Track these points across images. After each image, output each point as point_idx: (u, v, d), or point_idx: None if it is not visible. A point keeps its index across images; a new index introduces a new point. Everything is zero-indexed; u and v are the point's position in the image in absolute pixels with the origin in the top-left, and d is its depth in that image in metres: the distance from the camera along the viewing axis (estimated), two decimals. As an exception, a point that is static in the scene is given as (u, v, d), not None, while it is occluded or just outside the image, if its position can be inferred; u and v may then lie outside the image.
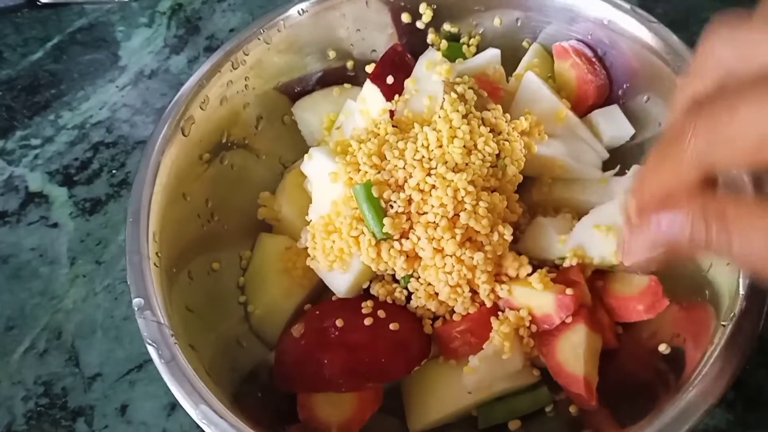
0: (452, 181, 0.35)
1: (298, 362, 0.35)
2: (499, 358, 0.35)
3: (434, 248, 0.35)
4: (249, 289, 0.41)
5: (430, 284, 0.36)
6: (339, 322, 0.35)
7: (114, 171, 0.49)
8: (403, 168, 0.36)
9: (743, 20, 0.23)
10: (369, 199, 0.35)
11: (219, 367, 0.35)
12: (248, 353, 0.39)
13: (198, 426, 0.39)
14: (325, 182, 0.38)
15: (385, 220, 0.35)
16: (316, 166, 0.39)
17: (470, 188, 0.34)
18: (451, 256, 0.35)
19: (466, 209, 0.34)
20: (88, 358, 0.42)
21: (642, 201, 0.25)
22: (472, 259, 0.35)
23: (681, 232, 0.23)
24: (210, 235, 0.41)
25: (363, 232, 0.36)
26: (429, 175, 0.36)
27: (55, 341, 0.43)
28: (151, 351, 0.32)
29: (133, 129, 0.51)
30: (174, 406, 0.40)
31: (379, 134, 0.39)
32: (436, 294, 0.36)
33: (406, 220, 0.36)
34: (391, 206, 0.36)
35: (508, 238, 0.35)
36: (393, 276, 0.38)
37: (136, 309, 0.33)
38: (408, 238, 0.36)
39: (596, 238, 0.36)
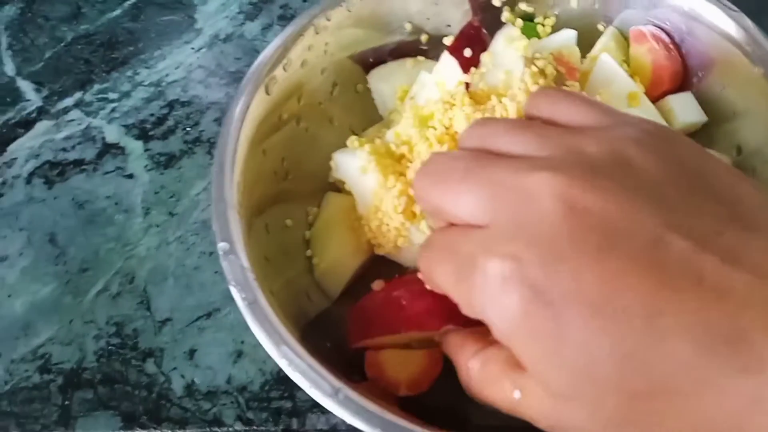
0: None
1: (379, 305, 0.35)
2: None
3: None
4: (314, 244, 0.42)
5: None
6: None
7: (188, 129, 0.50)
8: None
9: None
10: None
11: (291, 314, 0.36)
12: (314, 305, 0.40)
13: (262, 374, 0.41)
14: (358, 177, 0.40)
15: None
16: (344, 168, 0.41)
17: None
18: None
19: None
20: (159, 303, 0.44)
21: None
22: None
23: None
24: (284, 193, 0.42)
25: (410, 207, 0.38)
26: None
27: (127, 285, 0.44)
28: (235, 293, 0.33)
29: (207, 90, 0.52)
30: (240, 353, 0.42)
31: (454, 104, 0.40)
32: None
33: None
34: None
35: None
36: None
37: (221, 253, 0.34)
38: None
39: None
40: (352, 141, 0.42)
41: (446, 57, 0.43)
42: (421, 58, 0.47)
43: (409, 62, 0.47)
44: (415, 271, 0.38)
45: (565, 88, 0.39)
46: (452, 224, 0.27)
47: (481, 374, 0.27)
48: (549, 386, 0.24)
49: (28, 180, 0.49)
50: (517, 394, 0.25)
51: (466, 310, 0.26)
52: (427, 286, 0.31)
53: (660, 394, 0.21)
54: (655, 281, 0.21)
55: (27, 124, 0.51)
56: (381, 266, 0.41)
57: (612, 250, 0.22)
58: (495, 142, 0.27)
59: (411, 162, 0.39)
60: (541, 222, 0.23)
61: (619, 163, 0.24)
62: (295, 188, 0.43)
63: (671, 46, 0.43)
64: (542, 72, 0.39)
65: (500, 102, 0.38)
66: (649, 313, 0.21)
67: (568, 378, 0.23)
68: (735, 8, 0.41)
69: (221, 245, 0.34)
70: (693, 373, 0.21)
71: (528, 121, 0.29)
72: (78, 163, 0.49)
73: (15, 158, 0.50)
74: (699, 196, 0.24)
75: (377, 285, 0.37)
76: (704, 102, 0.43)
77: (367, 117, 0.47)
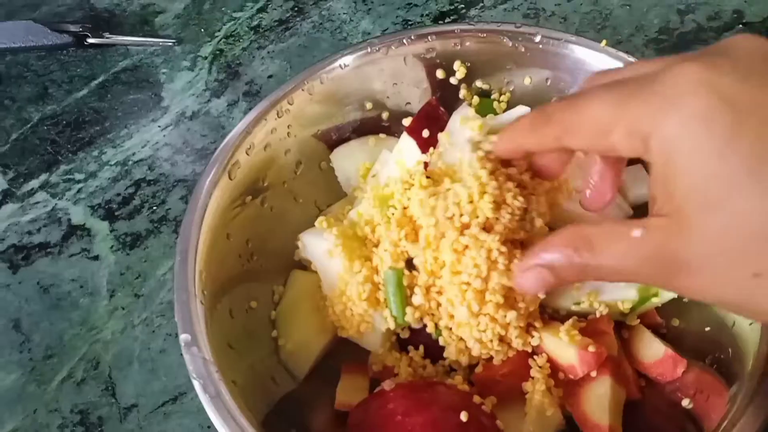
0: (485, 241, 0.36)
1: (376, 415, 0.36)
2: (543, 416, 0.36)
3: (469, 310, 0.36)
4: (280, 324, 0.43)
5: (461, 339, 0.38)
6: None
7: (155, 207, 0.51)
8: (435, 226, 0.38)
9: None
10: (398, 286, 0.38)
11: (255, 400, 0.36)
12: (279, 387, 0.40)
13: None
14: (325, 260, 0.41)
15: (408, 310, 0.38)
16: (311, 250, 0.42)
17: (503, 248, 0.36)
18: (485, 315, 0.36)
19: (499, 269, 0.36)
20: (124, 388, 0.43)
21: (503, 149, 0.36)
22: (506, 317, 0.36)
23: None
24: (249, 274, 0.42)
25: (374, 294, 0.39)
26: (462, 234, 0.37)
27: (92, 371, 0.44)
28: (197, 386, 0.33)
29: (173, 168, 0.53)
30: (207, 439, 0.41)
31: (413, 184, 0.41)
32: (468, 349, 0.38)
33: (429, 306, 0.38)
34: (416, 293, 0.38)
35: (541, 295, 0.37)
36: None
37: (183, 345, 0.34)
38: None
39: (607, 283, 0.39)
40: (320, 222, 0.42)
41: (405, 138, 0.44)
42: (382, 135, 0.48)
43: (371, 140, 0.48)
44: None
45: (512, 168, 0.40)
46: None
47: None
48: (703, 203, 0.25)
49: (-7, 265, 0.49)
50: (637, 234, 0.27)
51: (625, 132, 0.27)
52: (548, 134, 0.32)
53: None
54: None
55: (-8, 208, 0.51)
56: (348, 345, 0.42)
57: None
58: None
59: (375, 246, 0.40)
60: (732, 48, 0.26)
61: None
62: (260, 268, 0.43)
63: (621, 121, 0.45)
64: (489, 154, 0.40)
65: (452, 186, 0.39)
66: None
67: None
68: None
69: (183, 337, 0.35)
70: None
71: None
72: (43, 246, 0.50)
73: (-20, 243, 0.50)
74: None
75: (388, 384, 0.37)
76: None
77: (332, 192, 0.48)
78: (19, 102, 0.58)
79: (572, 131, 0.30)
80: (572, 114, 0.29)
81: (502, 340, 0.38)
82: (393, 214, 0.40)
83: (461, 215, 0.38)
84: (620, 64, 0.44)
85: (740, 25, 0.59)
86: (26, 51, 0.61)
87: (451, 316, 0.37)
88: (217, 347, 0.36)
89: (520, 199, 0.39)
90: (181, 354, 0.44)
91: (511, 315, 0.36)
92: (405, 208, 0.40)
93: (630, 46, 0.57)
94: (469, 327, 0.37)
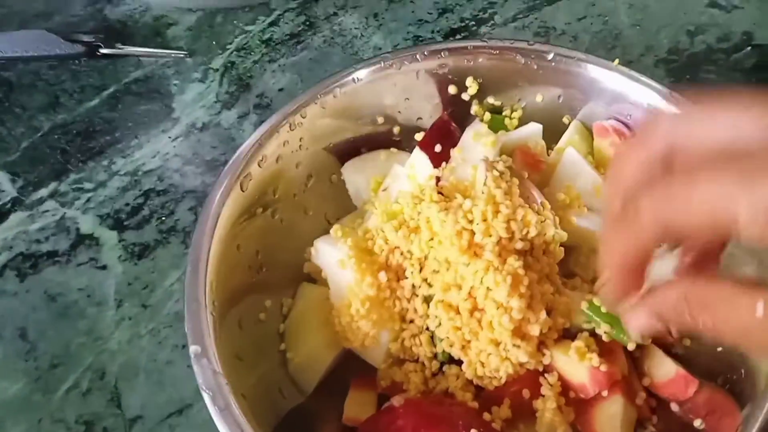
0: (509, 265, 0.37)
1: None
2: None
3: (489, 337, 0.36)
4: (289, 337, 0.42)
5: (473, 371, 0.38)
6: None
7: (163, 218, 0.51)
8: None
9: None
10: None
11: (263, 413, 0.36)
12: (287, 400, 0.40)
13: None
14: (336, 270, 0.41)
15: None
16: (323, 257, 0.42)
17: (526, 279, 0.36)
18: (495, 354, 0.37)
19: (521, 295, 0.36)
20: (129, 399, 0.43)
21: (612, 274, 0.28)
22: (517, 357, 0.36)
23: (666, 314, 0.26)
24: (258, 286, 0.42)
25: (380, 311, 0.39)
26: (473, 253, 0.37)
27: (98, 381, 0.44)
28: (206, 398, 0.33)
29: (183, 178, 0.53)
30: (212, 453, 0.41)
31: (423, 199, 0.41)
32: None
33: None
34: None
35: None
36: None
37: (192, 356, 0.34)
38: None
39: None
40: (336, 230, 0.42)
41: (417, 152, 0.44)
42: (394, 150, 0.48)
43: (382, 154, 0.48)
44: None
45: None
46: None
47: None
48: None
49: (0, 273, 0.48)
50: None
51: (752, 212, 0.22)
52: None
53: None
54: None
55: (1, 215, 0.51)
56: (356, 360, 0.41)
57: None
58: None
59: (387, 264, 0.40)
60: None
61: None
62: (269, 280, 0.43)
63: (633, 139, 0.45)
64: (502, 175, 0.40)
65: (465, 202, 0.39)
66: None
67: None
68: (691, 104, 0.43)
69: (193, 348, 0.34)
70: None
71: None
72: (51, 254, 0.49)
73: (-13, 250, 0.50)
74: None
75: (397, 401, 0.37)
76: (666, 193, 0.44)
77: (342, 206, 0.48)
78: (30, 111, 0.58)
79: (680, 213, 0.24)
80: (676, 194, 0.24)
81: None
82: (401, 226, 0.40)
83: (473, 233, 0.38)
84: (633, 84, 0.44)
85: (749, 47, 0.59)
86: (38, 60, 0.61)
87: (464, 348, 0.37)
88: (226, 359, 0.36)
89: (533, 216, 0.39)
90: (188, 366, 0.44)
91: (522, 355, 0.36)
92: (413, 220, 0.40)
93: (640, 66, 0.57)
94: (480, 364, 0.37)
